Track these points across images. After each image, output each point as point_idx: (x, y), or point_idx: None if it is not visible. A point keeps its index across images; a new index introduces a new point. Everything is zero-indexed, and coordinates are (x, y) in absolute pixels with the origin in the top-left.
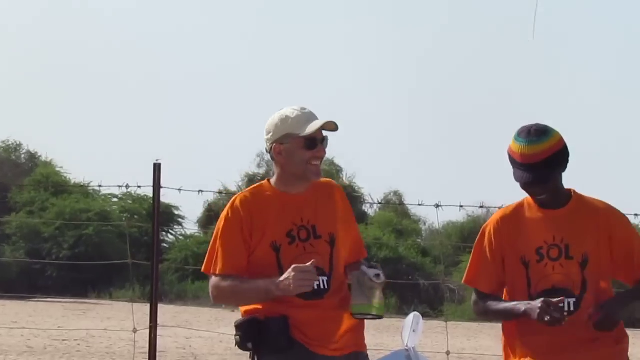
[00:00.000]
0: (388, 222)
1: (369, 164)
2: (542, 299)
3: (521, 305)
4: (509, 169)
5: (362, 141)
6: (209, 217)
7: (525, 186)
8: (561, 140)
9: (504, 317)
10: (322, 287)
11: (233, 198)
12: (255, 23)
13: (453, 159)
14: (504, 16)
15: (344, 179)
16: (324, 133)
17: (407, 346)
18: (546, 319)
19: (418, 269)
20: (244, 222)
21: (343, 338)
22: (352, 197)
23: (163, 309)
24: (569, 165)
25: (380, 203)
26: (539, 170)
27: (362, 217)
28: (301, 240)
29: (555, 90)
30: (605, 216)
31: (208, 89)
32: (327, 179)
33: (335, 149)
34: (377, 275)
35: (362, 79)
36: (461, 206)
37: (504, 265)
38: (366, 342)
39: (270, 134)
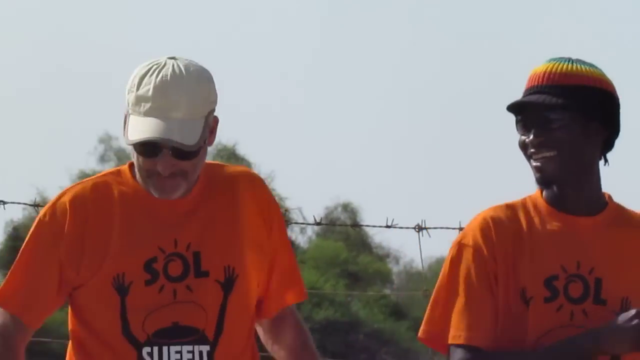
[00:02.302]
0: (332, 259)
1: (298, 159)
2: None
3: (589, 336)
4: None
5: (287, 127)
6: (14, 248)
7: (520, 120)
8: (613, 87)
9: None
10: None
11: (64, 189)
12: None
13: (442, 154)
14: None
15: None
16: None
17: None
18: None
19: (386, 342)
20: (67, 233)
21: None
22: None
23: None
24: (614, 146)
25: (319, 224)
26: (556, 98)
27: None
28: (170, 279)
29: None
30: None
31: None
32: (241, 168)
33: (241, 135)
34: None
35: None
36: (460, 228)
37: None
38: None
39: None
